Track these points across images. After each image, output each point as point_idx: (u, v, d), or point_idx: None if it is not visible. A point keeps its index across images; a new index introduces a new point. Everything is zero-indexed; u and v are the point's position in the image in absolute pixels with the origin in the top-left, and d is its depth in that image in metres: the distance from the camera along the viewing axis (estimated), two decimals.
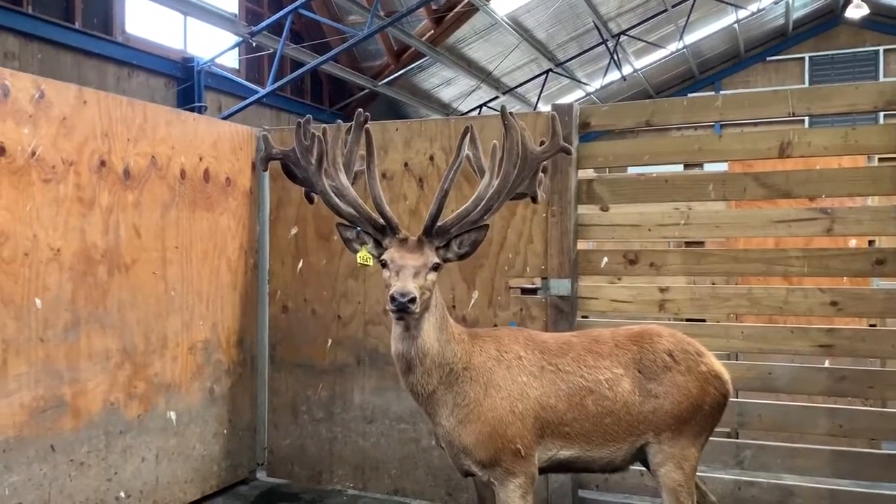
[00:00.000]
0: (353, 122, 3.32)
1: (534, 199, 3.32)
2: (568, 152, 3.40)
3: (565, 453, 3.11)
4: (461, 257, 3.09)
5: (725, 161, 4.79)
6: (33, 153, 3.58)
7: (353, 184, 3.27)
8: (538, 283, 4.42)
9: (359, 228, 3.11)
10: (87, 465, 3.87)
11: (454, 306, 4.54)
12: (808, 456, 3.98)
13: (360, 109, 3.29)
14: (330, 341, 4.91)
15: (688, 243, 5.23)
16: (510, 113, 3.12)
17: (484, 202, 3.08)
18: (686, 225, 4.21)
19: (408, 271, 2.87)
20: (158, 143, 4.31)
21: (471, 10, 13.94)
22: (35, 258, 3.59)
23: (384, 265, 2.97)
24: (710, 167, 5.43)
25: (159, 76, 11.62)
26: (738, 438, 4.57)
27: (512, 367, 3.06)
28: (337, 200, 3.13)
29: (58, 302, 3.71)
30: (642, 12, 17.13)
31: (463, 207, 3.08)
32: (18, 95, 3.52)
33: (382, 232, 3.05)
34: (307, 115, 3.43)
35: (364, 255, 3.12)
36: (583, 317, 4.54)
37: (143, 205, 4.20)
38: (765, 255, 4.07)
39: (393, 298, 2.79)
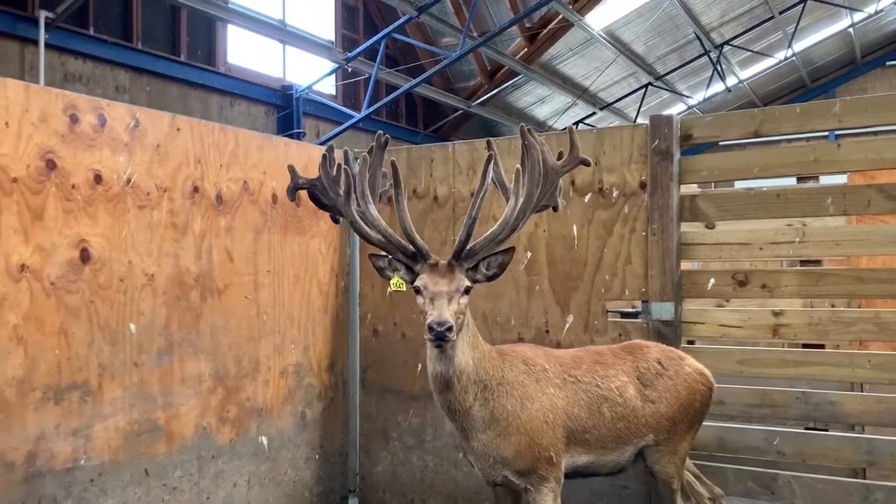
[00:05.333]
0: (373, 145, 3.44)
1: (554, 209, 3.41)
2: (587, 164, 3.41)
3: (584, 459, 3.32)
4: (490, 279, 3.18)
5: (845, 172, 4.38)
6: (128, 180, 3.65)
7: (378, 203, 3.40)
8: (638, 306, 4.16)
9: (390, 256, 3.21)
10: (179, 489, 3.88)
11: (547, 331, 4.34)
12: None
13: (380, 132, 3.46)
14: (420, 366, 4.79)
15: (804, 262, 4.81)
16: (529, 130, 3.24)
17: (510, 224, 3.20)
18: (802, 243, 3.85)
19: (442, 298, 2.96)
20: (250, 169, 4.34)
21: (565, 26, 13.75)
22: (130, 284, 3.65)
23: (417, 291, 3.07)
24: (825, 179, 5.01)
25: (260, 104, 12.01)
26: (866, 479, 4.13)
27: (541, 379, 3.25)
28: (367, 229, 3.23)
29: (152, 327, 3.75)
30: (747, 21, 16.44)
31: (491, 231, 3.19)
32: (114, 125, 3.60)
33: (413, 258, 3.15)
34: (330, 144, 3.55)
35: (397, 282, 3.23)
36: (688, 342, 4.25)
37: (235, 229, 4.23)
38: (895, 275, 3.67)
39: (431, 328, 2.90)
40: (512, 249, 3.17)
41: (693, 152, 4.50)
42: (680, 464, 3.46)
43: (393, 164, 3.22)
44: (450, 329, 2.88)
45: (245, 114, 11.65)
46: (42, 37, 8.71)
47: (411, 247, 3.13)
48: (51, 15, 8.78)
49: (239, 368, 4.23)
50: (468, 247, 3.09)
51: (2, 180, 3.15)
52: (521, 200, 3.20)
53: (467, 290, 3.06)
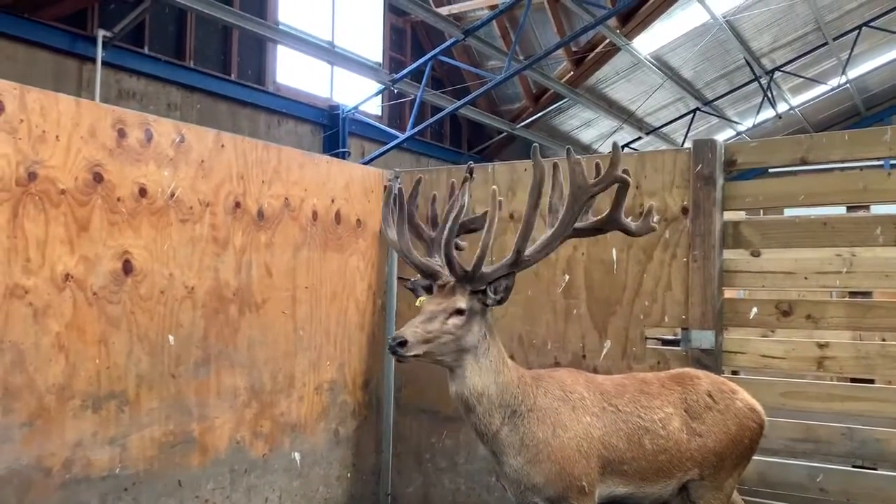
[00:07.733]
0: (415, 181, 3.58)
1: (629, 233, 3.40)
2: (625, 182, 3.26)
3: (622, 489, 3.24)
4: (499, 303, 3.18)
5: None
6: (172, 195, 3.73)
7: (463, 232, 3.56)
8: (678, 333, 4.08)
9: (412, 279, 3.38)
10: (211, 502, 3.90)
11: (584, 356, 4.28)
12: None
13: (471, 162, 3.58)
14: None
15: (854, 294, 4.66)
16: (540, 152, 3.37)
17: (538, 245, 3.21)
18: (849, 273, 3.74)
19: (423, 315, 3.07)
20: (292, 186, 4.39)
21: (612, 51, 13.70)
22: (170, 296, 3.71)
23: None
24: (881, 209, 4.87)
25: (306, 123, 12.20)
26: None
27: (577, 407, 3.19)
28: (404, 252, 3.40)
29: (190, 339, 3.80)
30: (799, 46, 16.18)
31: (504, 259, 3.19)
32: (160, 140, 3.69)
33: (433, 279, 3.24)
34: (397, 173, 3.77)
35: (419, 302, 3.33)
36: (732, 372, 4.14)
37: (275, 245, 4.28)
38: None
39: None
40: (513, 273, 3.16)
41: (743, 178, 4.43)
42: (725, 500, 3.35)
43: (400, 191, 3.43)
44: (401, 344, 2.95)
45: (292, 132, 11.85)
46: (99, 55, 9.02)
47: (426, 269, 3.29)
48: (108, 34, 9.09)
49: (274, 383, 4.26)
50: (468, 270, 3.12)
51: (50, 192, 3.25)
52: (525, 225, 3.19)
53: (460, 311, 3.08)
